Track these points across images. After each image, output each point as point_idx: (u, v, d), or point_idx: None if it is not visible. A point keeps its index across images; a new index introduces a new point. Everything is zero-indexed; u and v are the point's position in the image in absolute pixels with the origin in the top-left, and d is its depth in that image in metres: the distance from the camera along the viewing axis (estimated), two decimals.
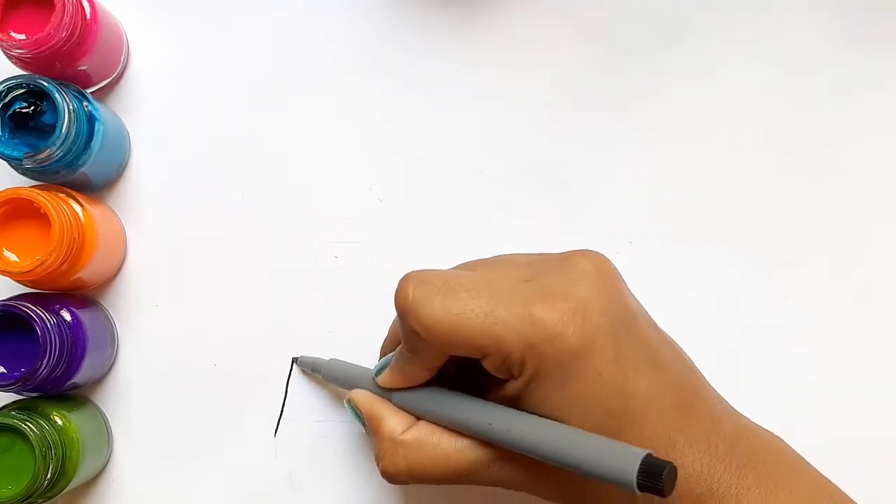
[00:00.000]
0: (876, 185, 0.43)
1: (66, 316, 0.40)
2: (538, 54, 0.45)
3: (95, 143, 0.40)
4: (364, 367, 0.40)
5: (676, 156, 0.44)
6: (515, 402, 0.34)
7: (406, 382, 0.37)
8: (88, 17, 0.41)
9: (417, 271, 0.35)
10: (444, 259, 0.44)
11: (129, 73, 0.45)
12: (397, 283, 0.34)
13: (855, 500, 0.35)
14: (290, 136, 0.45)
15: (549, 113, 0.44)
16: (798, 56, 0.44)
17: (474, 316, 0.32)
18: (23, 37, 0.39)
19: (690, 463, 0.33)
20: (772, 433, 0.36)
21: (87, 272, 0.41)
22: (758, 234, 0.43)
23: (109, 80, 0.44)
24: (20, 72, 0.41)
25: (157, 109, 0.45)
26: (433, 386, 0.36)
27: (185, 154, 0.45)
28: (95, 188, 0.44)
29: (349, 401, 0.38)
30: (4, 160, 0.39)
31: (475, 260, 0.38)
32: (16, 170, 0.41)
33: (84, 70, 0.42)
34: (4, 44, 0.39)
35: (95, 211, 0.41)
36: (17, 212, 0.39)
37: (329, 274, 0.44)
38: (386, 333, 0.41)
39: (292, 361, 0.44)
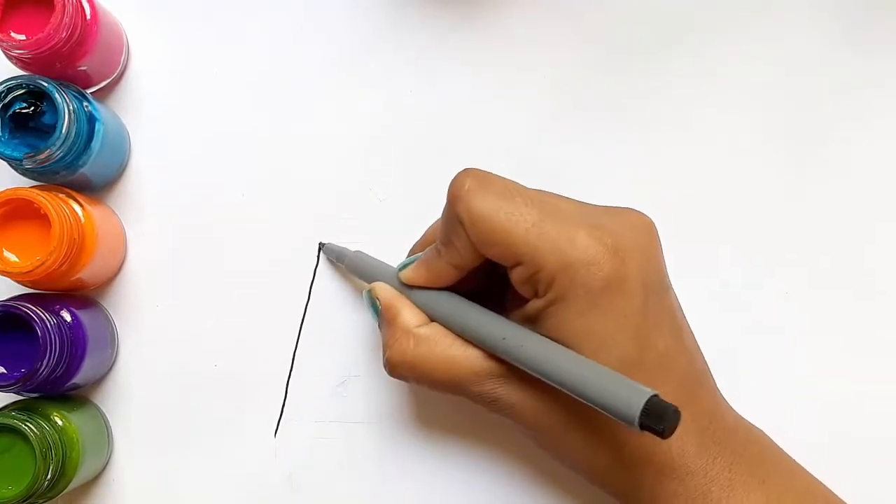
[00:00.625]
0: (876, 184, 0.43)
1: (66, 316, 0.40)
2: (538, 54, 0.45)
3: (95, 144, 0.40)
4: (389, 265, 0.40)
5: (676, 156, 0.44)
6: (532, 324, 0.34)
7: (430, 279, 0.37)
8: (88, 17, 0.41)
9: (479, 169, 0.35)
10: None
11: (129, 73, 0.45)
12: (454, 178, 0.35)
13: (852, 500, 0.35)
14: (290, 136, 0.45)
15: (549, 113, 0.44)
16: (798, 56, 0.44)
17: (522, 221, 0.33)
18: (23, 37, 0.39)
19: (687, 438, 0.33)
20: (767, 436, 0.36)
21: (88, 272, 0.41)
22: (759, 234, 0.43)
23: (109, 80, 0.45)
24: (20, 72, 0.41)
25: (157, 110, 0.45)
26: (454, 293, 0.36)
27: (185, 154, 0.45)
28: (95, 188, 0.44)
29: (369, 291, 0.39)
30: (4, 160, 0.39)
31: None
32: (16, 170, 0.41)
33: (84, 70, 0.42)
34: (4, 44, 0.39)
35: (95, 211, 0.41)
36: (17, 212, 0.39)
37: (329, 274, 0.44)
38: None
39: (319, 247, 0.44)
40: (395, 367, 0.36)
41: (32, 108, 0.39)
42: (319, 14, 0.46)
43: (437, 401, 0.43)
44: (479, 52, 0.45)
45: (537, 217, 0.33)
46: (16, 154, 0.39)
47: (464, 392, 0.36)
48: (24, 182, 0.42)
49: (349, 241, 0.44)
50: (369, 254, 0.42)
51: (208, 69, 0.45)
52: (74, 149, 0.39)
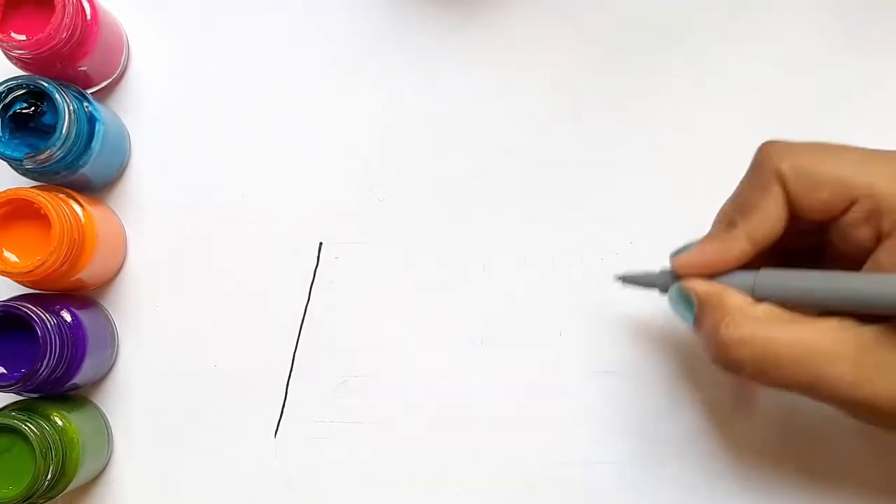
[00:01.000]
0: None
1: (67, 316, 0.40)
2: (538, 54, 0.45)
3: (96, 144, 0.40)
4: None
5: (676, 156, 0.44)
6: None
7: (718, 260, 0.33)
8: (89, 17, 0.41)
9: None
10: (445, 259, 0.44)
11: (130, 73, 0.45)
12: (761, 146, 0.33)
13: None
14: (290, 136, 0.45)
15: (549, 113, 0.44)
16: (798, 56, 0.44)
17: (846, 163, 0.31)
18: (23, 37, 0.39)
19: None
20: None
21: (88, 273, 0.41)
22: None
23: (110, 80, 0.45)
24: (20, 72, 0.41)
25: (157, 110, 0.45)
26: (765, 269, 0.32)
27: (185, 154, 0.45)
28: (95, 188, 0.44)
29: (678, 287, 0.34)
30: (5, 161, 0.40)
31: None
32: (16, 170, 0.41)
33: (84, 71, 0.42)
34: (5, 44, 0.39)
35: (95, 211, 0.41)
36: (17, 212, 0.39)
37: (329, 274, 0.44)
38: None
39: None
40: (733, 348, 0.31)
41: (32, 108, 0.39)
42: (319, 14, 0.46)
43: (436, 401, 0.43)
44: (479, 52, 0.45)
45: (859, 156, 0.31)
46: (16, 154, 0.39)
47: (821, 378, 0.30)
48: (24, 182, 0.42)
49: (349, 241, 0.44)
50: (370, 253, 0.42)
51: (208, 69, 0.45)
52: (74, 149, 0.39)
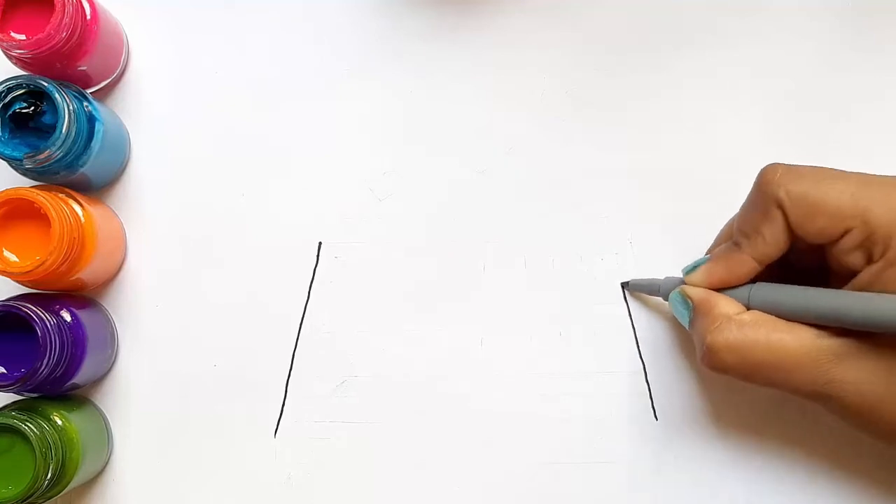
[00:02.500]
0: None
1: (66, 316, 0.40)
2: (538, 54, 0.45)
3: (95, 144, 0.40)
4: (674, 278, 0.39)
5: (676, 156, 0.44)
6: (870, 290, 0.33)
7: (726, 277, 0.36)
8: (88, 17, 0.41)
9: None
10: (444, 259, 0.44)
11: (129, 73, 0.45)
12: (762, 170, 0.35)
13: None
14: (290, 136, 0.45)
15: (549, 113, 0.44)
16: (798, 56, 0.44)
17: (843, 189, 0.33)
18: (23, 37, 0.39)
19: None
20: None
21: (87, 272, 0.41)
22: None
23: (109, 80, 0.45)
24: (20, 72, 0.41)
25: (157, 110, 0.45)
26: (760, 282, 0.35)
27: (185, 154, 0.45)
28: (95, 189, 0.44)
29: (679, 291, 0.37)
30: (5, 160, 0.40)
31: None
32: (16, 170, 0.41)
33: (84, 70, 0.42)
34: (4, 44, 0.39)
35: (95, 211, 0.41)
36: (17, 212, 0.39)
37: (329, 274, 0.44)
38: None
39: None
40: (718, 352, 0.34)
41: (32, 108, 0.39)
42: (319, 14, 0.46)
43: (436, 401, 0.43)
44: (479, 52, 0.45)
45: (856, 184, 0.33)
46: (16, 154, 0.39)
47: (790, 378, 0.33)
48: (24, 182, 0.42)
49: (349, 241, 0.44)
50: (370, 253, 0.42)
51: (208, 69, 0.45)
52: (74, 149, 0.39)
